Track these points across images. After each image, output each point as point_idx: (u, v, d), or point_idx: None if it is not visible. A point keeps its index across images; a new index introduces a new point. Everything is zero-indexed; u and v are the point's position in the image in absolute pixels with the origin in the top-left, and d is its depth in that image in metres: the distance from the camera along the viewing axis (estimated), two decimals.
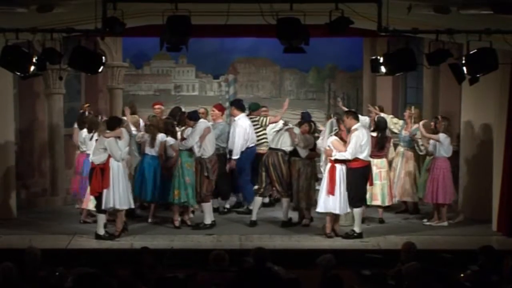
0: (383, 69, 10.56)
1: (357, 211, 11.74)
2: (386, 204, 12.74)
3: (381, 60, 10.52)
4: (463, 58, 9.75)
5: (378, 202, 12.56)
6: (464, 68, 9.74)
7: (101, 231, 11.61)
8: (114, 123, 11.71)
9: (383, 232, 12.10)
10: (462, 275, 8.31)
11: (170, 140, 12.43)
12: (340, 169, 11.53)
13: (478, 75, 9.88)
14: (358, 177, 11.60)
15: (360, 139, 11.49)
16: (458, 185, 13.11)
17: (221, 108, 13.46)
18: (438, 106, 14.35)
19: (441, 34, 9.63)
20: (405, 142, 13.36)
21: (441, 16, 10.36)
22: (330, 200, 11.51)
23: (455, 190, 12.78)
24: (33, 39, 9.72)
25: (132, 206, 12.06)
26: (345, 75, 16.47)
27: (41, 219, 12.95)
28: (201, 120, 12.51)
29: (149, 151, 12.52)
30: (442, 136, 12.55)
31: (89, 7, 9.54)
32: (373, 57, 11.94)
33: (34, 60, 9.65)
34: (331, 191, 11.47)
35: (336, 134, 11.74)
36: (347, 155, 11.45)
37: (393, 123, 13.62)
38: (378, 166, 12.48)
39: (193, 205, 12.46)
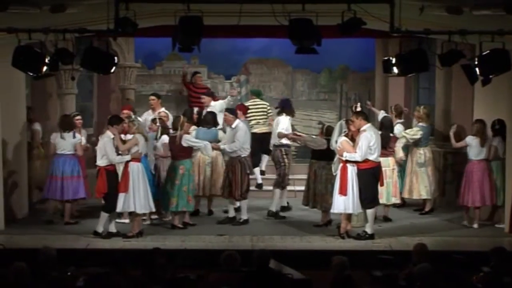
0: (395, 69, 10.55)
1: (369, 212, 11.70)
2: (392, 202, 12.75)
3: (394, 61, 10.51)
4: (476, 59, 9.71)
5: (383, 200, 12.45)
6: (477, 69, 9.71)
7: (100, 229, 11.65)
8: (115, 119, 11.76)
9: (394, 233, 12.06)
10: (474, 277, 8.29)
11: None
12: (352, 169, 11.49)
13: (490, 76, 9.85)
14: (369, 178, 11.55)
15: (368, 140, 11.44)
16: None
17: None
18: (451, 107, 14.32)
19: (453, 35, 9.61)
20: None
21: (454, 17, 10.32)
22: (343, 200, 11.49)
23: (492, 194, 12.54)
24: (45, 40, 9.76)
25: (153, 210, 12.07)
26: (357, 75, 16.45)
27: (53, 219, 12.96)
28: (237, 120, 12.51)
29: None
30: (468, 138, 12.51)
31: (101, 7, 9.57)
32: (386, 58, 11.94)
33: (46, 60, 9.69)
34: (343, 191, 11.44)
35: (346, 135, 11.70)
36: (357, 157, 11.40)
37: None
38: (383, 164, 12.30)
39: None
